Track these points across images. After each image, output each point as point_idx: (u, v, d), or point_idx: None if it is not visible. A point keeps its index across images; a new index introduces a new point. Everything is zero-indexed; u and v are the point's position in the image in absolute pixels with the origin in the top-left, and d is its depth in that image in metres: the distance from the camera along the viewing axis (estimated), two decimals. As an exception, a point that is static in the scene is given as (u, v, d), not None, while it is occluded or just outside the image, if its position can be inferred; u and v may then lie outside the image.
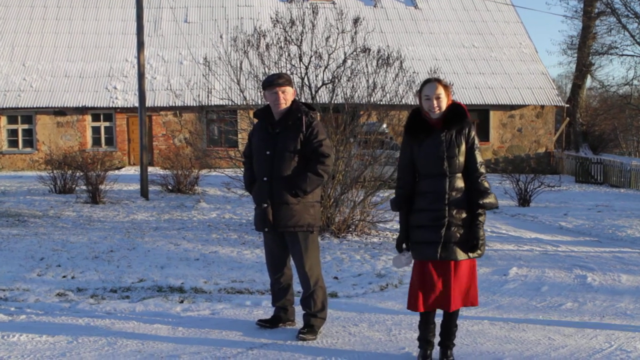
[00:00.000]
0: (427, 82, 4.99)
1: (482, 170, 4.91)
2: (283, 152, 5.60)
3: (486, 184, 4.89)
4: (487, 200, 4.85)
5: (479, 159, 4.91)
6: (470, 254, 4.87)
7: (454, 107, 4.96)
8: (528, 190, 16.88)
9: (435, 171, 4.87)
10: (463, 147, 4.87)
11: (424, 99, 4.92)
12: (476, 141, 4.94)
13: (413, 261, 5.03)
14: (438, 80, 4.95)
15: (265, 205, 5.64)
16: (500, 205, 16.62)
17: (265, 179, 5.64)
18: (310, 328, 5.67)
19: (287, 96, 5.67)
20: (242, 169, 12.32)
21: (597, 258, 9.72)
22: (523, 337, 5.79)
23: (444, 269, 4.89)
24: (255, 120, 6.04)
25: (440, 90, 4.88)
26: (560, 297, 7.32)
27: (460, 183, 4.88)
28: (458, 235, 4.84)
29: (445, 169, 4.84)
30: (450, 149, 4.85)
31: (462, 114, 4.92)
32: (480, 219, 4.87)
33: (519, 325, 6.14)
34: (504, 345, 5.55)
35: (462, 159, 4.87)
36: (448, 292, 4.89)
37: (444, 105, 4.91)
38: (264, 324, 5.92)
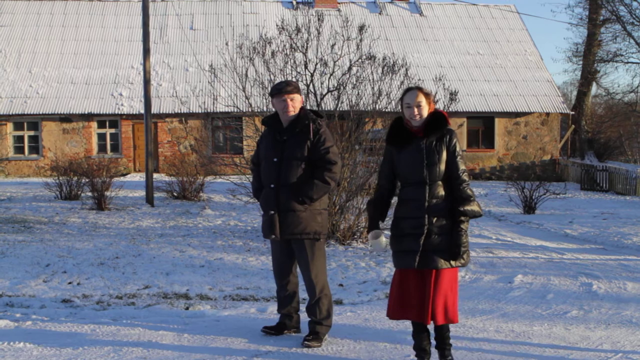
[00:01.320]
0: (408, 90, 5.02)
1: (465, 177, 4.91)
2: (290, 159, 5.61)
3: (469, 192, 4.89)
4: (468, 208, 4.85)
5: (461, 166, 4.92)
6: (453, 262, 4.85)
7: (435, 114, 4.99)
8: (533, 197, 16.85)
9: (416, 179, 4.88)
10: (444, 155, 4.88)
11: (405, 106, 4.94)
12: (458, 148, 4.95)
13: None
14: (419, 89, 4.97)
15: (272, 212, 5.64)
16: (505, 213, 16.64)
17: (272, 186, 5.65)
18: (316, 335, 5.67)
19: (295, 104, 5.67)
20: (247, 176, 12.40)
21: (602, 266, 9.70)
22: (528, 345, 5.78)
23: (425, 278, 4.88)
24: (263, 128, 6.07)
25: (421, 98, 4.91)
26: (565, 304, 7.30)
27: (441, 191, 4.89)
28: (438, 243, 4.83)
29: (425, 176, 4.86)
30: (430, 157, 4.86)
31: (442, 121, 4.95)
32: (462, 226, 4.85)
33: (525, 333, 6.13)
34: (509, 354, 5.54)
35: (442, 166, 4.87)
36: (427, 304, 4.86)
37: (424, 113, 4.93)
38: (269, 331, 5.92)
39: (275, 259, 5.92)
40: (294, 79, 11.49)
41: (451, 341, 5.11)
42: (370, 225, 5.20)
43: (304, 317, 5.97)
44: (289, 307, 5.95)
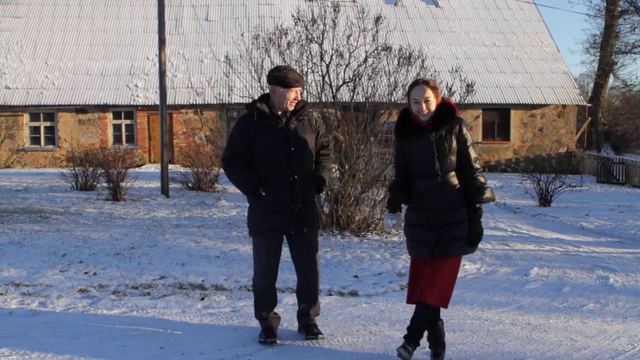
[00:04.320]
0: (415, 84, 4.93)
1: (477, 165, 4.92)
2: (305, 149, 5.41)
3: (482, 179, 4.90)
4: (483, 196, 4.86)
5: (473, 155, 4.91)
6: (468, 248, 4.90)
7: (443, 106, 4.94)
8: (549, 190, 16.76)
9: (428, 171, 4.87)
10: (454, 146, 4.87)
11: (412, 102, 4.89)
12: (468, 137, 4.93)
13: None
14: (426, 83, 4.90)
15: (293, 206, 5.36)
16: (521, 205, 16.57)
17: (291, 178, 5.33)
18: (315, 327, 5.60)
19: (298, 96, 5.42)
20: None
21: (619, 259, 9.64)
22: (545, 337, 5.75)
23: (437, 263, 4.90)
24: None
25: (429, 93, 4.85)
26: (582, 298, 7.26)
27: (453, 181, 4.88)
28: (453, 232, 4.84)
29: (437, 169, 4.84)
30: (440, 149, 4.84)
31: (451, 113, 4.91)
32: (478, 213, 4.89)
33: (541, 326, 6.10)
34: (526, 346, 5.52)
35: (453, 157, 4.87)
36: (429, 284, 4.87)
37: (432, 108, 4.88)
38: (272, 341, 5.49)
39: (272, 257, 5.51)
40: (309, 70, 11.52)
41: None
42: (393, 198, 5.13)
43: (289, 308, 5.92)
44: (274, 304, 5.70)
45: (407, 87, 11.53)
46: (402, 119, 5.02)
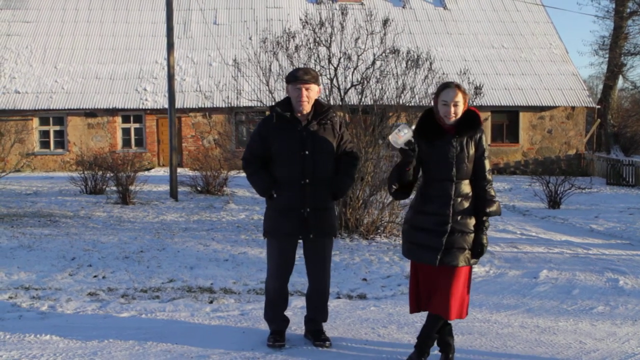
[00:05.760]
0: (446, 86, 4.85)
1: (490, 177, 4.89)
2: (322, 153, 5.32)
3: (492, 192, 4.88)
4: (492, 209, 4.85)
5: (487, 166, 4.89)
6: (472, 260, 4.86)
7: (470, 113, 4.89)
8: (558, 192, 16.71)
9: (443, 176, 4.82)
10: (472, 154, 4.83)
11: (441, 103, 4.82)
12: (486, 148, 4.91)
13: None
14: (458, 86, 4.82)
15: (302, 210, 5.29)
16: (529, 208, 16.55)
17: (304, 181, 5.27)
18: (323, 333, 5.57)
19: (310, 94, 5.31)
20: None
21: (629, 261, 9.60)
22: (554, 340, 5.74)
23: (444, 273, 4.84)
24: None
25: (459, 97, 4.78)
26: (591, 300, 7.23)
27: (466, 189, 4.84)
28: (461, 241, 4.79)
29: (453, 174, 4.80)
30: (459, 155, 4.80)
31: (476, 121, 4.87)
32: (485, 225, 4.86)
33: (550, 329, 6.09)
34: (535, 349, 5.50)
35: (470, 165, 4.83)
36: (447, 299, 4.83)
37: (460, 112, 4.82)
38: (281, 344, 5.49)
39: (283, 259, 5.48)
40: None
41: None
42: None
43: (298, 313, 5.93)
44: (285, 308, 5.68)
45: (414, 90, 11.62)
46: (425, 119, 4.96)
